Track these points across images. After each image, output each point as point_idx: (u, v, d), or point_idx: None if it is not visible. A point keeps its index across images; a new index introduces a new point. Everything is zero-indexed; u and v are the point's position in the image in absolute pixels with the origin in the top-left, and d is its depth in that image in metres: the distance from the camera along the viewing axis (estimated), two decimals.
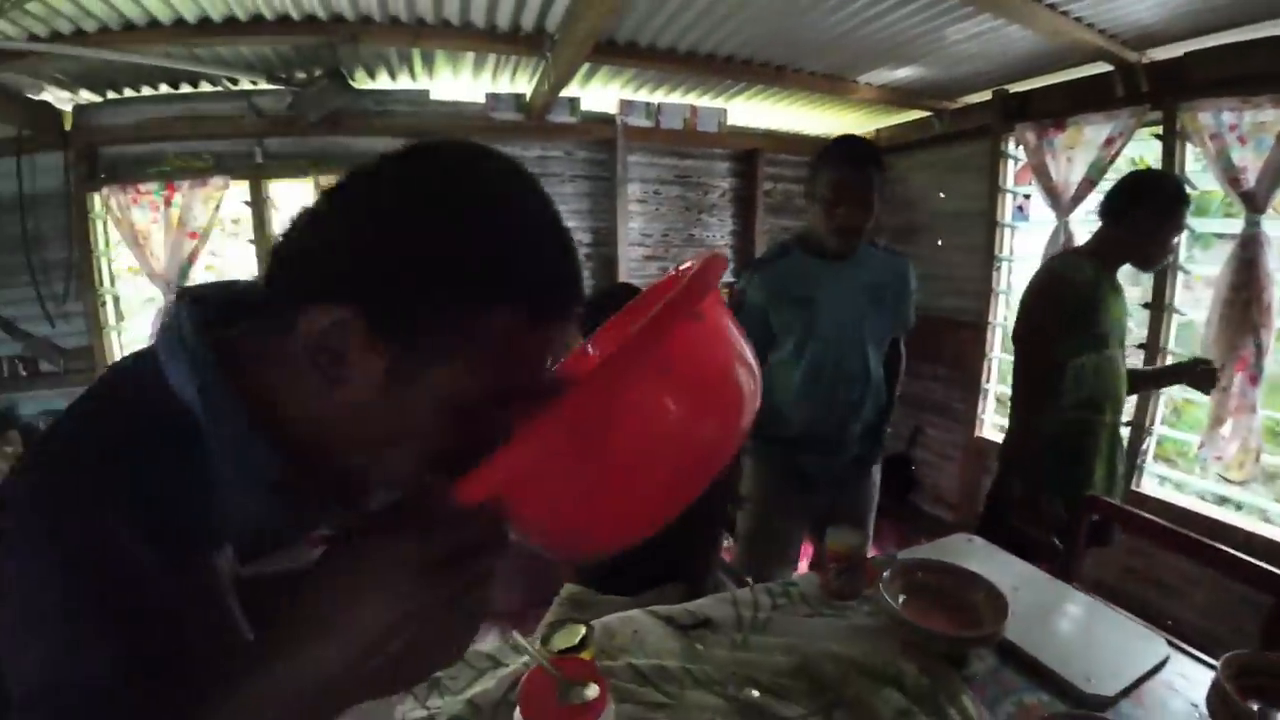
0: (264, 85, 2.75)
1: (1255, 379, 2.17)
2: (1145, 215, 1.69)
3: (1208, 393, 1.78)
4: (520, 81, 3.05)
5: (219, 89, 2.82)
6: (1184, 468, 2.66)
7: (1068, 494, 1.71)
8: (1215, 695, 0.87)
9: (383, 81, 2.99)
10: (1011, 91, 3.02)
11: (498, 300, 0.47)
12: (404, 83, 3.03)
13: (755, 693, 0.94)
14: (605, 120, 3.31)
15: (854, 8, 2.26)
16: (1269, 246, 2.12)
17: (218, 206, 2.91)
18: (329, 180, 2.77)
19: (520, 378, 0.50)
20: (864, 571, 1.21)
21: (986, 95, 3.12)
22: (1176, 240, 1.73)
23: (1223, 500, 2.48)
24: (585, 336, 1.46)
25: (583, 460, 0.42)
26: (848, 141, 1.71)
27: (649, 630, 1.10)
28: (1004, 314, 3.32)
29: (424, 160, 0.49)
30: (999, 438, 3.30)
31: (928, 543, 1.47)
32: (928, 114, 3.44)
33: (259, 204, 3.05)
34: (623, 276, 3.52)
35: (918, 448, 3.80)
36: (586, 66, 2.68)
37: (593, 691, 0.84)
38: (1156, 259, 1.76)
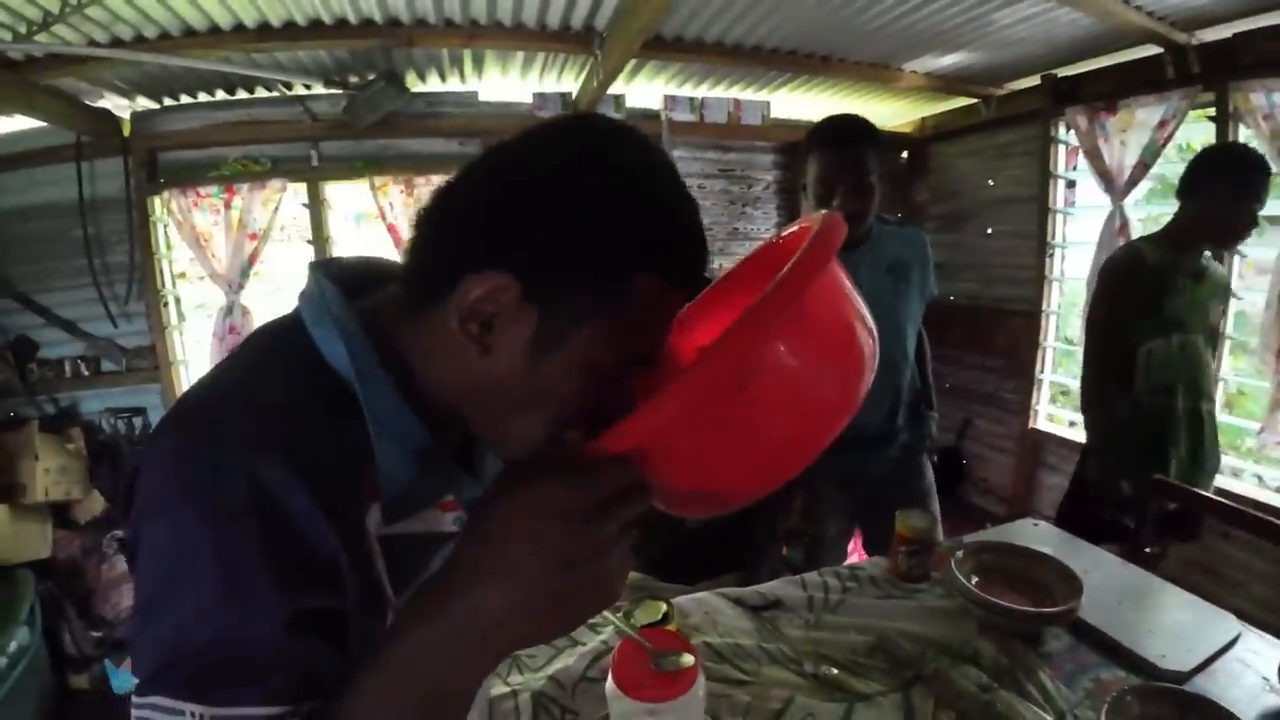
0: (319, 90, 2.84)
1: None
2: (1222, 189, 1.65)
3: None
4: (567, 80, 3.10)
5: (275, 94, 2.92)
6: (1237, 457, 2.59)
7: (1143, 479, 1.67)
8: None
9: (433, 83, 3.07)
10: (1061, 75, 2.96)
11: (641, 267, 0.49)
12: (453, 84, 3.10)
13: (833, 670, 0.97)
14: (650, 116, 3.34)
15: None
16: None
17: (276, 208, 3.02)
18: (383, 181, 2.83)
19: (652, 343, 0.53)
20: (932, 554, 1.23)
21: (1035, 80, 3.06)
22: (1258, 213, 1.64)
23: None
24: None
25: (725, 410, 0.43)
26: (834, 122, 1.56)
27: (721, 611, 1.13)
28: (1058, 301, 3.26)
29: (569, 133, 0.52)
30: (1053, 429, 3.27)
31: (991, 528, 1.48)
32: (975, 100, 3.39)
33: (316, 205, 3.16)
34: None
35: (967, 440, 3.75)
36: (633, 63, 2.72)
37: (688, 659, 0.89)
38: (1236, 235, 1.70)
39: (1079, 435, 2.93)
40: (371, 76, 2.72)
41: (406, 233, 3.12)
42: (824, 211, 0.55)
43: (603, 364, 0.50)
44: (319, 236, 3.21)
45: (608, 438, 0.43)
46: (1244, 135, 2.38)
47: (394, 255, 0.65)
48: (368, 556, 0.50)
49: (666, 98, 3.29)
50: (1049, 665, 0.96)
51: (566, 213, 0.48)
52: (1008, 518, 1.72)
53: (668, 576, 1.59)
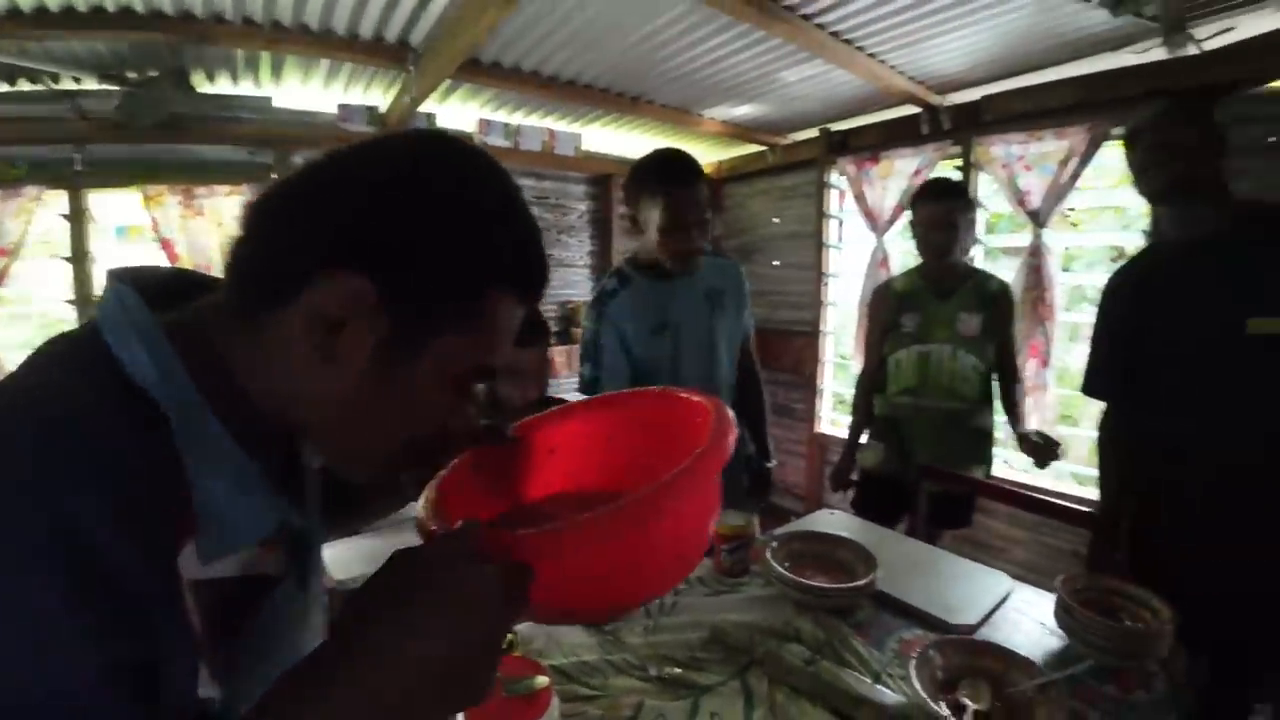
0: (91, 85, 2.42)
1: (1045, 363, 2.68)
2: (914, 217, 2.03)
3: (1044, 466, 1.90)
4: (374, 93, 2.95)
5: (39, 87, 2.43)
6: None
7: (902, 467, 2.06)
8: (1061, 609, 1.09)
9: (223, 85, 2.74)
10: (834, 129, 3.44)
11: (496, 280, 0.50)
12: (246, 87, 2.80)
13: (676, 669, 1.01)
14: (463, 138, 3.28)
15: (703, 49, 2.49)
16: (1051, 255, 2.65)
17: (29, 220, 2.49)
18: (157, 190, 2.44)
19: (497, 356, 0.53)
20: (750, 549, 1.33)
21: (814, 132, 3.53)
22: (936, 235, 1.96)
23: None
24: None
25: (619, 545, 0.49)
26: (675, 162, 1.55)
27: (563, 631, 1.13)
28: (834, 322, 3.76)
29: (433, 144, 0.51)
30: (835, 432, 3.74)
31: (795, 520, 1.66)
32: (763, 148, 3.82)
33: (77, 216, 2.66)
34: None
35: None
36: (448, 83, 2.67)
37: (541, 680, 0.87)
38: (925, 254, 2.03)
39: None
40: (154, 74, 2.37)
41: (183, 249, 2.69)
42: (718, 402, 0.65)
43: (450, 378, 0.50)
44: (79, 252, 2.68)
45: (519, 541, 0.45)
46: (984, 181, 2.95)
47: None
48: (180, 601, 0.43)
49: (481, 121, 3.26)
50: (859, 633, 1.09)
51: (431, 219, 0.47)
52: (807, 512, 1.93)
53: None
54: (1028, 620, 1.17)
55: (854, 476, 2.26)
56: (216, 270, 0.53)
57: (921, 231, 2.01)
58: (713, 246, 1.74)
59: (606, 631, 1.14)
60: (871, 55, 2.49)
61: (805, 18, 2.19)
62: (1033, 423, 2.70)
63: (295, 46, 2.32)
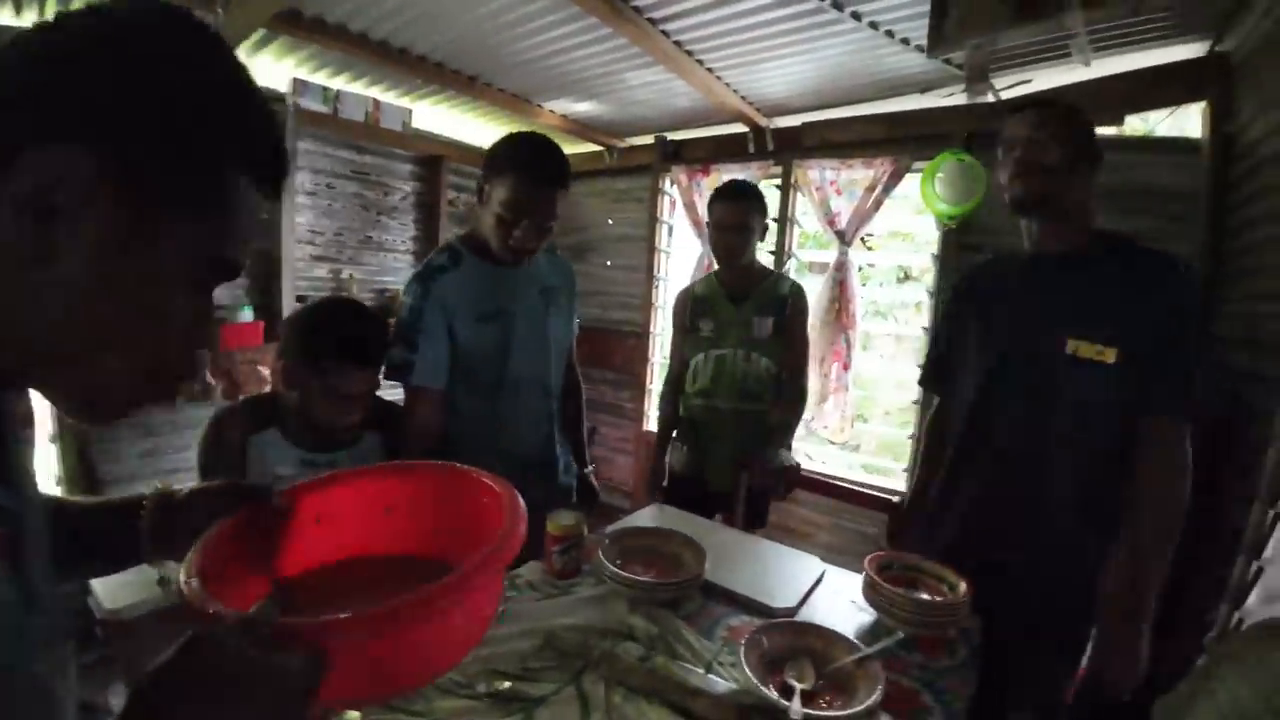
0: None
1: (847, 366, 2.98)
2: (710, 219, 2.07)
3: (782, 496, 2.02)
4: None
5: None
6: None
7: (696, 465, 2.16)
8: (868, 587, 1.20)
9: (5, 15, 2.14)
10: (670, 138, 3.56)
11: (229, 161, 0.46)
12: (30, 19, 2.24)
13: (505, 683, 0.95)
14: (275, 99, 2.91)
15: (549, 36, 2.43)
16: (853, 269, 2.96)
17: None
18: None
19: (238, 250, 0.49)
20: (582, 549, 1.31)
21: (650, 139, 3.62)
22: (726, 233, 2.01)
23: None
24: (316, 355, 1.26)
25: (408, 639, 0.51)
26: (540, 152, 1.43)
27: None
28: (662, 324, 3.88)
29: (153, 11, 0.45)
30: None
31: (625, 516, 1.67)
32: (602, 148, 3.84)
33: None
34: (286, 277, 3.10)
35: (594, 446, 4.17)
36: (261, 34, 2.33)
37: (352, 715, 0.78)
38: (719, 255, 2.10)
39: None
40: None
41: None
42: (511, 490, 0.68)
43: (189, 272, 0.45)
44: None
45: (315, 628, 0.46)
46: (800, 200, 3.22)
47: None
48: None
49: (296, 81, 2.90)
50: (689, 624, 1.11)
51: (155, 85, 0.42)
52: (635, 508, 1.96)
53: None
54: (840, 599, 1.27)
55: (664, 483, 2.26)
56: None
57: (715, 233, 2.05)
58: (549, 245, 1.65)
59: None
60: (710, 70, 2.60)
61: (652, 22, 2.23)
62: (834, 421, 3.01)
63: None
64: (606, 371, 4.02)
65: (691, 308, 2.17)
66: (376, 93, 3.21)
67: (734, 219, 1.99)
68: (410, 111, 3.35)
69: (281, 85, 2.92)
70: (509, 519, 0.62)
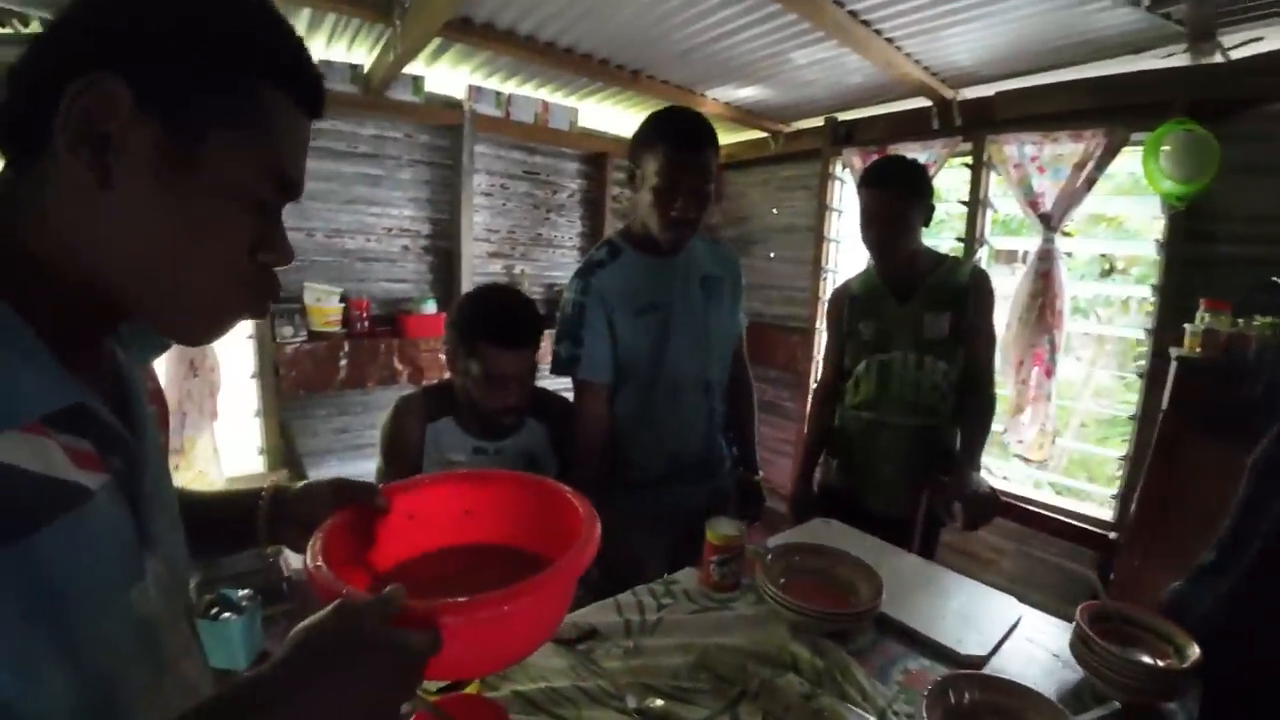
0: None
1: (1050, 372, 2.56)
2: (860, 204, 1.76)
3: (973, 528, 1.65)
4: (359, 51, 2.76)
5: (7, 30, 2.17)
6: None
7: (850, 486, 1.90)
8: (1079, 641, 0.99)
9: None
10: (841, 119, 3.32)
11: (261, 75, 0.47)
12: None
13: (658, 700, 0.90)
14: (452, 105, 3.12)
15: (710, 21, 2.34)
16: (1061, 260, 2.54)
17: None
18: None
19: (292, 165, 0.50)
20: (742, 561, 1.22)
21: (819, 121, 3.40)
22: (871, 226, 1.70)
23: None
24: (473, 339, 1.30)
25: (508, 623, 0.57)
26: (685, 120, 1.40)
27: None
28: None
29: None
30: None
31: (788, 529, 1.54)
32: (765, 134, 3.68)
33: None
34: (464, 275, 3.33)
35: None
36: (436, 44, 2.50)
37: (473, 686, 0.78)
38: (869, 250, 1.77)
39: None
40: None
41: None
42: (590, 509, 0.70)
43: (248, 187, 0.47)
44: None
45: (434, 610, 0.51)
46: (994, 181, 2.84)
47: None
48: None
49: (471, 88, 3.09)
50: (859, 661, 0.98)
51: (167, 4, 0.44)
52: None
53: None
54: (1040, 651, 1.08)
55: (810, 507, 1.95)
56: None
57: (863, 224, 1.72)
58: (711, 235, 1.58)
59: (580, 652, 1.02)
60: (889, 40, 2.36)
61: None
62: (1031, 435, 2.61)
63: None
64: (769, 369, 3.86)
65: (849, 308, 1.87)
66: (545, 94, 3.33)
67: (882, 207, 1.67)
68: (576, 110, 3.43)
69: (458, 92, 3.11)
70: (585, 519, 0.68)
